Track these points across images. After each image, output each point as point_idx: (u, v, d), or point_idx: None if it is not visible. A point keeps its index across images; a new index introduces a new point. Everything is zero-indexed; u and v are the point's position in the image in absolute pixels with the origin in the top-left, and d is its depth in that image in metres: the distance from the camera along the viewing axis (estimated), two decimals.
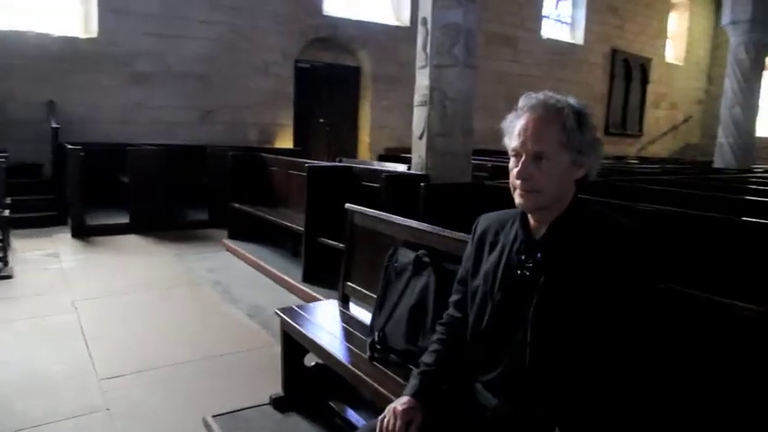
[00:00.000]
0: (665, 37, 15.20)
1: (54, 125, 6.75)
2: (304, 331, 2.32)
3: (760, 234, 2.41)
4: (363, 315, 2.54)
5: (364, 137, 10.21)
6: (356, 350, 2.16)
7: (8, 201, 5.08)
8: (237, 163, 6.13)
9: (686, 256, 2.46)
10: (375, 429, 1.42)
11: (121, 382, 2.75)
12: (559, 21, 12.96)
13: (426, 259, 2.09)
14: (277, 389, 2.58)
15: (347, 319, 2.52)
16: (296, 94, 9.22)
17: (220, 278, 4.66)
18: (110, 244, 5.72)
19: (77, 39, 7.37)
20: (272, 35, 8.76)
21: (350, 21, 9.50)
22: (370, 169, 4.66)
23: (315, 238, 4.35)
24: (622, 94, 13.94)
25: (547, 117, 1.28)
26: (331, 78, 9.76)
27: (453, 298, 1.59)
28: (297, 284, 4.30)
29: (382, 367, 2.02)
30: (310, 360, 2.57)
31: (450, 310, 1.59)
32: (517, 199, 1.32)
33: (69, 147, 6.06)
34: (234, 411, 2.47)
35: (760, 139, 9.85)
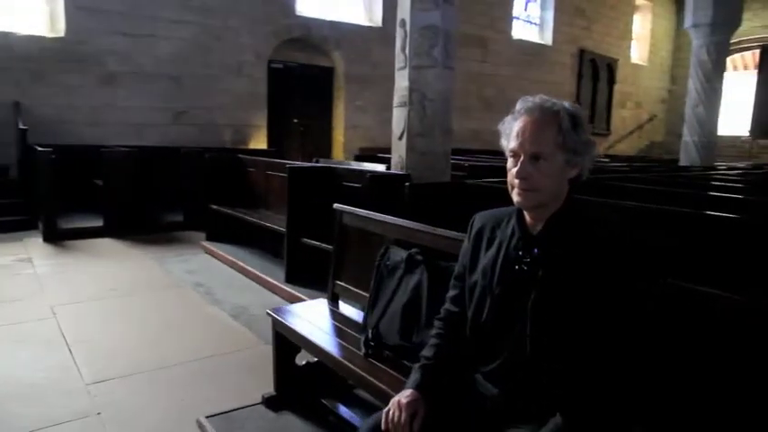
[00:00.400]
0: (630, 38, 15.62)
1: (22, 126, 6.56)
2: (298, 330, 2.35)
3: (725, 227, 2.60)
4: (354, 313, 2.58)
5: (338, 137, 10.22)
6: (350, 347, 2.20)
7: None
8: (215, 164, 6.09)
9: (667, 251, 2.59)
10: (380, 422, 1.47)
11: (110, 385, 2.72)
12: (529, 21, 13.18)
13: (419, 257, 2.15)
14: (267, 388, 2.60)
15: (338, 317, 2.55)
16: (269, 94, 9.18)
17: (201, 280, 4.63)
18: (84, 248, 5.60)
19: (44, 38, 7.18)
20: (244, 35, 8.70)
21: (323, 21, 9.50)
22: (352, 169, 4.70)
23: (297, 239, 4.36)
24: (590, 94, 14.27)
25: (543, 120, 1.35)
26: (304, 79, 9.75)
27: (451, 293, 1.64)
28: (280, 285, 4.30)
29: (377, 362, 2.07)
30: (301, 359, 2.60)
31: (448, 305, 1.64)
32: (515, 197, 1.39)
33: (40, 149, 5.91)
34: (227, 412, 2.48)
35: (722, 137, 10.25)
